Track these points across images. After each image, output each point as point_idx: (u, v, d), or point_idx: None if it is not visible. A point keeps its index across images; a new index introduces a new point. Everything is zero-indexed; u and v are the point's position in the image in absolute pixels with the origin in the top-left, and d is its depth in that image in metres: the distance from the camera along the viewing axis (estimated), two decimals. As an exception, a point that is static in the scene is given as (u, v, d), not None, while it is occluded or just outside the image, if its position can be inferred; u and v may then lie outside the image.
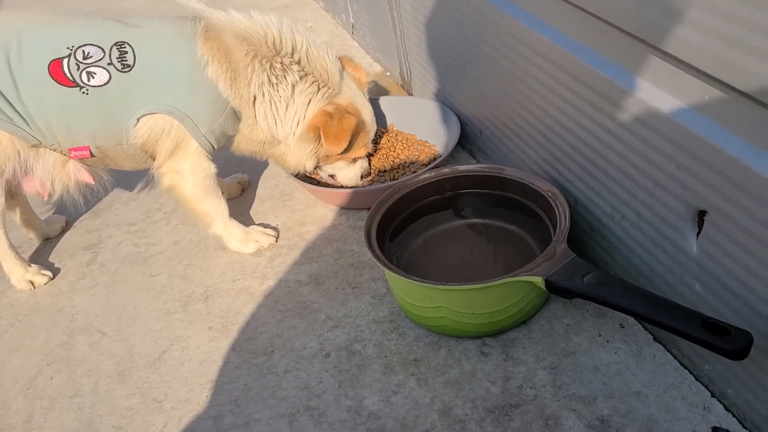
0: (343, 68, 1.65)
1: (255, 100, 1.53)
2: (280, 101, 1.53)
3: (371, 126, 1.69)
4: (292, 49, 1.53)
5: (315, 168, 1.72)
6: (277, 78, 1.52)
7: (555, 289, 1.18)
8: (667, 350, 1.23)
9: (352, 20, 2.63)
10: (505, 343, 1.31)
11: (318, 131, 1.56)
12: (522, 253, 1.43)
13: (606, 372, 1.22)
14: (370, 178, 1.82)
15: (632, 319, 1.31)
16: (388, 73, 2.39)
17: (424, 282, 1.26)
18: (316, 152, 1.63)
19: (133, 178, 2.01)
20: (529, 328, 1.33)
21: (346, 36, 2.75)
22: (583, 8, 1.16)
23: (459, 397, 1.23)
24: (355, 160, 1.72)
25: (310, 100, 1.55)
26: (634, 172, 1.15)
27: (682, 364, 1.20)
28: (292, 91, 1.53)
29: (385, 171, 1.84)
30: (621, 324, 1.30)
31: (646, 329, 1.28)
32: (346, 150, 1.63)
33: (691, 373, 1.19)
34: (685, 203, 1.06)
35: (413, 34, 2.00)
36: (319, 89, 1.55)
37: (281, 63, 1.52)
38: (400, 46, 2.15)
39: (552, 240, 1.29)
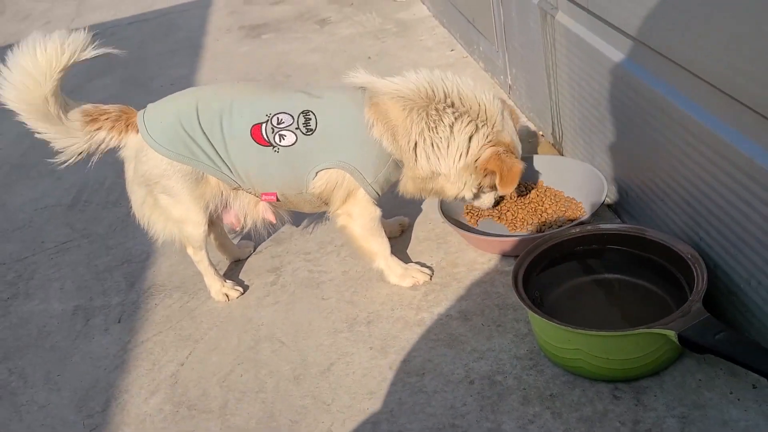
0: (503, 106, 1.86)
1: (416, 145, 1.79)
2: (441, 141, 1.78)
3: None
4: (444, 95, 1.79)
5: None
6: (434, 122, 1.77)
7: (687, 344, 1.30)
8: (799, 414, 1.29)
9: (509, 81, 2.85)
10: (637, 390, 1.43)
11: (493, 173, 1.78)
12: (658, 309, 1.53)
13: (735, 427, 1.30)
14: (517, 230, 2.01)
15: (766, 381, 1.37)
16: (540, 133, 2.57)
17: (565, 325, 1.41)
18: (479, 185, 1.86)
19: (311, 214, 2.33)
20: (661, 379, 1.44)
21: (503, 95, 2.96)
22: (736, 98, 1.28)
23: (590, 432, 1.36)
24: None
25: (470, 136, 1.78)
26: (771, 242, 1.25)
27: (813, 429, 1.26)
28: (451, 131, 1.77)
29: (532, 223, 2.02)
30: (754, 385, 1.37)
31: (779, 392, 1.35)
32: None
33: (821, 438, 1.24)
34: (819, 275, 1.14)
35: (567, 100, 2.18)
36: (477, 127, 1.78)
37: (435, 109, 1.77)
38: (554, 109, 2.33)
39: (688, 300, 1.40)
